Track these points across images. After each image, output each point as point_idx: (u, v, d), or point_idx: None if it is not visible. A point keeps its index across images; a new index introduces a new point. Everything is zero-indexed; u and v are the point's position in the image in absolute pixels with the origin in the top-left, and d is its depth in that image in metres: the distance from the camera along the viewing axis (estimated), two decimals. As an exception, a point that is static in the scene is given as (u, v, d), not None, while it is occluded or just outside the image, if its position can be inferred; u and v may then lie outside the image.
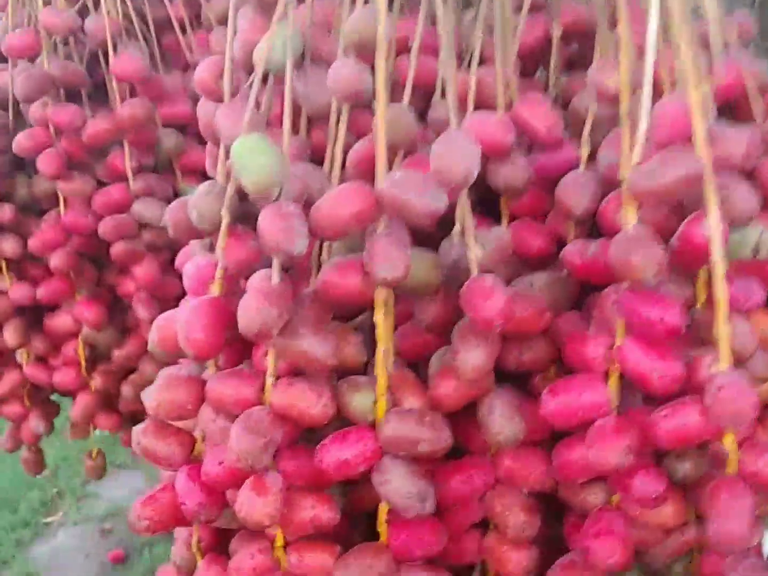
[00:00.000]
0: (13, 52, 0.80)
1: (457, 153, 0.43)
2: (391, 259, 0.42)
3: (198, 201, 0.48)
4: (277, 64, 0.50)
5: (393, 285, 0.43)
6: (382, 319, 0.45)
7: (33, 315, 0.87)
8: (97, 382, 0.86)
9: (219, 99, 0.49)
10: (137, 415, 0.89)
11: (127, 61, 0.79)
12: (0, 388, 0.87)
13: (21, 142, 0.80)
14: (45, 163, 0.79)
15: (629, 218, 0.45)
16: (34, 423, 0.88)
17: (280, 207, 0.43)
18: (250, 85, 0.51)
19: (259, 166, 0.42)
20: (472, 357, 0.45)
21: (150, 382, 0.85)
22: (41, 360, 0.88)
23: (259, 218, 0.43)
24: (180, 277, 0.88)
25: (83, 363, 0.85)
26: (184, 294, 0.86)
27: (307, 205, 0.46)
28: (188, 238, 0.52)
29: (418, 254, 0.46)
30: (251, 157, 0.43)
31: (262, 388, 0.45)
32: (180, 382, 0.48)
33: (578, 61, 0.60)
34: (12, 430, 0.90)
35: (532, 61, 0.58)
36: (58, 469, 2.29)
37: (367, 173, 0.51)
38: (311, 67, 0.52)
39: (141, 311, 0.83)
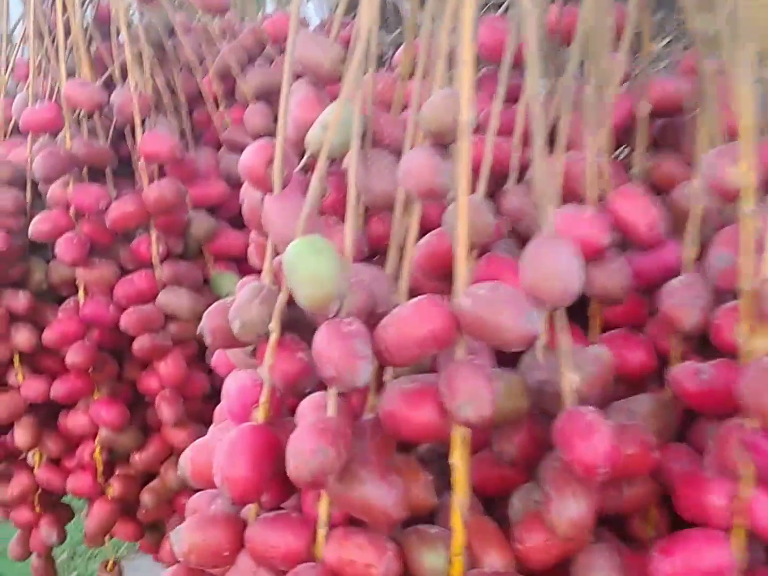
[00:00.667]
0: (33, 127, 0.74)
1: (554, 266, 0.35)
2: (476, 394, 0.34)
3: (241, 308, 0.40)
4: (336, 147, 0.44)
5: (477, 426, 0.35)
6: (460, 463, 0.37)
7: (47, 411, 0.79)
8: (114, 489, 0.78)
9: (268, 188, 0.42)
10: (158, 524, 0.81)
11: (156, 139, 0.73)
12: (9, 492, 0.79)
13: (38, 226, 0.74)
14: (64, 249, 0.72)
15: (759, 343, 0.37)
16: (45, 532, 0.79)
17: (340, 326, 0.35)
18: (303, 171, 0.44)
19: (317, 276, 0.35)
20: (569, 509, 0.36)
21: (172, 490, 0.78)
22: (54, 462, 0.80)
23: (316, 338, 0.36)
24: (209, 371, 0.81)
25: (100, 468, 0.77)
26: (212, 392, 0.79)
27: (371, 317, 0.38)
28: (228, 347, 0.45)
29: (501, 377, 0.39)
30: (308, 264, 0.35)
31: (314, 539, 0.37)
32: (216, 524, 0.40)
33: (664, 141, 0.53)
34: (21, 537, 0.82)
35: (614, 142, 0.51)
36: (75, 553, 2.20)
37: (435, 274, 0.44)
38: (372, 152, 0.45)
39: (165, 411, 0.75)
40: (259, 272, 0.46)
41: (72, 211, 0.74)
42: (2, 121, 0.83)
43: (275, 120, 0.82)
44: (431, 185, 0.37)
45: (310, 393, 0.41)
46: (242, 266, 0.81)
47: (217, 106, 0.84)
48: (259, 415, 0.39)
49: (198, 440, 0.41)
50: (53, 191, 0.75)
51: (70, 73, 0.81)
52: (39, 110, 0.74)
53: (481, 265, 0.43)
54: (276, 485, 0.39)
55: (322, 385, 0.40)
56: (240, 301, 0.41)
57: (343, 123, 0.43)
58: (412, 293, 0.43)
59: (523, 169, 0.51)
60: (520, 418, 0.40)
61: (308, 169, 0.45)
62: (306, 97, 0.47)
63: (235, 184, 0.81)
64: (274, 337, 0.39)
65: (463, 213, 0.37)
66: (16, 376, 0.77)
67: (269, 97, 0.82)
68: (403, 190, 0.41)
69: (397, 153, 0.46)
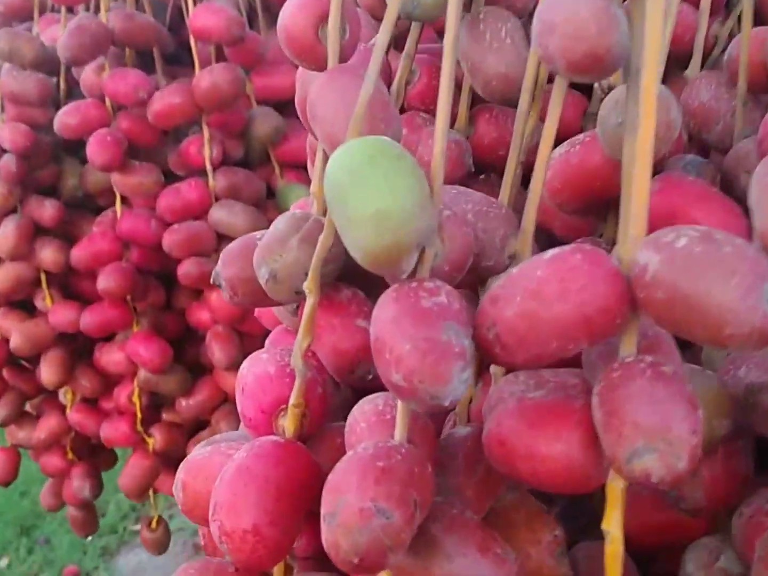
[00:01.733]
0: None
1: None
2: (666, 433, 0.19)
3: (272, 250, 0.26)
4: (426, 7, 0.28)
5: (662, 487, 0.19)
6: (616, 531, 0.21)
7: (81, 343, 0.66)
8: (156, 440, 0.65)
9: (320, 62, 0.27)
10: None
11: (210, 13, 0.57)
12: (36, 434, 0.67)
13: (64, 118, 0.60)
14: (96, 148, 0.58)
15: None
16: (77, 484, 0.67)
17: (418, 296, 0.20)
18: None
19: (382, 210, 0.20)
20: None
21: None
22: (90, 402, 0.67)
23: (377, 314, 0.21)
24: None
25: (139, 415, 0.64)
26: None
27: (472, 278, 0.23)
28: (255, 305, 0.30)
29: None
30: (366, 188, 0.20)
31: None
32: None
33: None
34: (53, 486, 0.70)
35: None
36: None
37: (581, 205, 0.28)
38: (486, 10, 0.29)
39: (216, 351, 0.61)
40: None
41: (108, 102, 0.60)
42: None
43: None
44: (597, 48, 0.20)
45: (372, 382, 0.26)
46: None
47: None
48: (288, 424, 0.24)
49: (196, 453, 0.26)
50: (85, 77, 0.61)
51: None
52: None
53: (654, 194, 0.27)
54: (310, 527, 0.25)
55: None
56: (270, 238, 0.26)
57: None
58: (544, 238, 0.28)
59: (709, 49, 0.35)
60: (714, 447, 0.25)
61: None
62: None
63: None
64: (312, 301, 0.24)
65: (650, 100, 0.20)
66: (44, 300, 0.65)
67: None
68: (539, 60, 0.25)
69: (522, 12, 0.30)
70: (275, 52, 0.64)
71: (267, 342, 0.33)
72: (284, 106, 0.64)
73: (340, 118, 0.24)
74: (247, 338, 0.63)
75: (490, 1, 0.30)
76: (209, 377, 0.64)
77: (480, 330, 0.20)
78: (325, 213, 0.28)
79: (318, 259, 0.23)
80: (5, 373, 0.67)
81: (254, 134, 0.62)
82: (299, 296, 0.26)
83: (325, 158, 0.27)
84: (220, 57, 0.61)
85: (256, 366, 0.26)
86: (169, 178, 0.62)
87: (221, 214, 0.59)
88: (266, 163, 0.64)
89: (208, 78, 0.57)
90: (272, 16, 0.70)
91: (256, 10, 0.68)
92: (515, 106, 0.28)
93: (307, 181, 0.65)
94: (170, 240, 0.59)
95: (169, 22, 0.66)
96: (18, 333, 0.63)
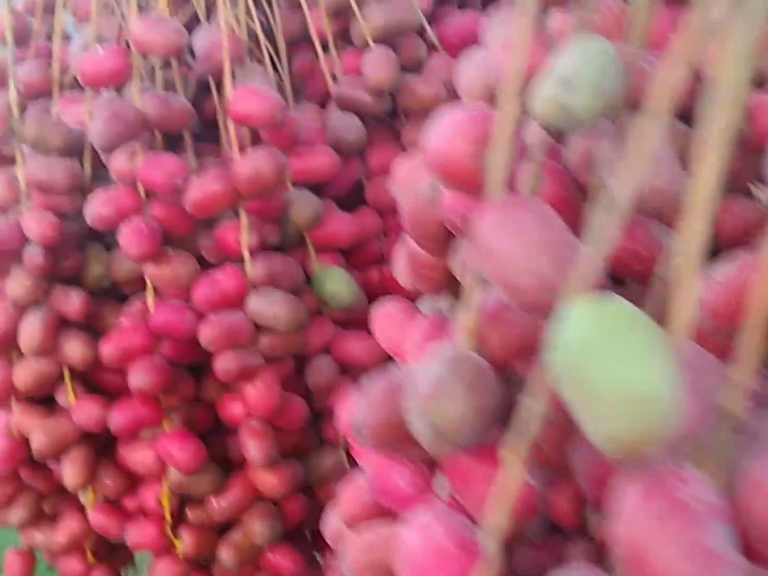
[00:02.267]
0: (93, 78, 0.56)
1: None
2: None
3: (434, 399, 0.23)
4: (579, 123, 0.26)
5: None
6: None
7: (103, 439, 0.63)
8: (185, 542, 0.61)
9: (479, 190, 0.24)
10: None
11: (252, 96, 0.55)
12: (56, 538, 0.63)
13: (98, 209, 0.56)
14: (131, 240, 0.55)
15: None
16: (99, 588, 0.63)
17: (673, 489, 0.17)
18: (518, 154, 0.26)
19: (641, 395, 0.17)
20: None
21: (258, 546, 0.61)
22: (112, 502, 0.63)
23: (625, 517, 0.18)
24: (308, 394, 0.64)
25: (168, 518, 0.60)
26: (312, 419, 0.61)
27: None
28: (402, 455, 0.28)
29: None
30: (619, 368, 0.17)
31: None
32: None
33: None
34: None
35: None
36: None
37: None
38: (640, 120, 0.27)
39: (252, 448, 0.58)
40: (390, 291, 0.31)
41: (141, 189, 0.57)
42: (58, 72, 0.66)
43: (405, 68, 0.63)
44: None
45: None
46: (351, 259, 0.64)
47: (324, 51, 0.66)
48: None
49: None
50: (117, 163, 0.58)
51: (142, 9, 0.64)
52: (100, 57, 0.56)
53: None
54: None
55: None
56: (427, 385, 0.24)
57: (596, 73, 0.26)
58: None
59: None
60: None
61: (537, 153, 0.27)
62: (517, 31, 0.29)
63: (346, 152, 0.63)
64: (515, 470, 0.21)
65: None
66: (67, 396, 0.61)
67: (395, 39, 0.63)
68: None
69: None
70: (308, 131, 0.62)
71: (401, 538, 0.26)
72: (318, 187, 0.62)
73: (522, 265, 0.22)
74: (281, 433, 0.60)
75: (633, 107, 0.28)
76: (242, 475, 0.60)
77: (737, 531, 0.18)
78: (478, 351, 0.26)
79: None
80: (22, 472, 0.63)
81: (292, 219, 0.59)
82: (464, 448, 0.24)
83: (474, 288, 0.25)
84: (254, 138, 0.59)
85: (421, 534, 0.23)
86: (201, 266, 0.59)
87: (260, 304, 0.56)
88: (299, 246, 0.62)
89: (250, 164, 0.55)
90: (296, 90, 0.68)
91: (283, 87, 0.66)
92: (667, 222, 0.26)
93: (340, 262, 0.62)
94: (208, 334, 0.56)
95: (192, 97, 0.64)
96: (40, 432, 0.60)
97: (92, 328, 0.61)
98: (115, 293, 0.63)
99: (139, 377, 0.56)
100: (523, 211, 0.23)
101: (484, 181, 0.24)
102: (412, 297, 0.66)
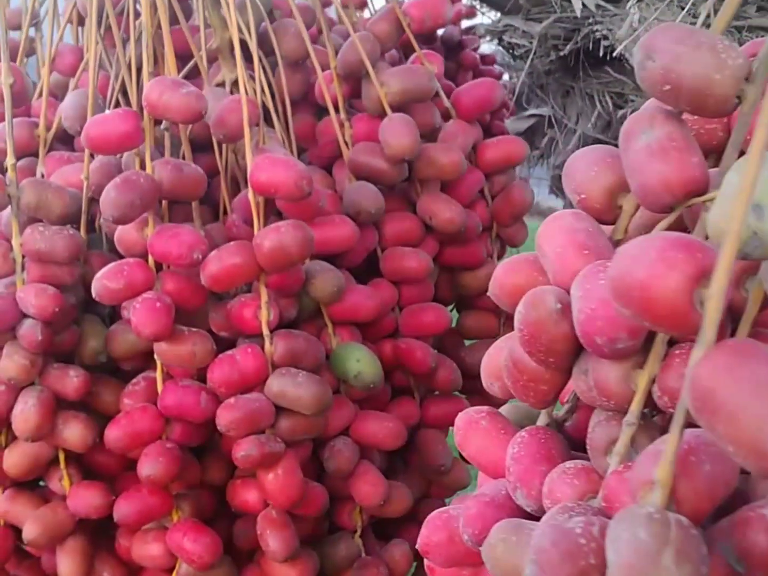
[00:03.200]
0: (104, 144, 0.52)
1: None
2: None
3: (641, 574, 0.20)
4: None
5: None
6: None
7: (100, 525, 0.58)
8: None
9: (691, 331, 0.22)
10: None
11: (276, 166, 0.52)
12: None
13: (106, 283, 0.52)
14: (144, 318, 0.51)
15: None
16: None
17: None
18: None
19: None
20: None
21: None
22: (108, 596, 0.59)
23: None
24: (323, 477, 0.60)
25: (177, 617, 0.56)
26: (331, 507, 0.58)
27: None
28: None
29: None
30: None
31: None
32: None
33: None
34: None
35: None
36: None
37: None
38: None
39: (272, 542, 0.54)
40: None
41: (151, 261, 0.53)
42: (43, 129, 0.62)
43: (424, 136, 0.61)
44: None
45: None
46: (365, 331, 0.61)
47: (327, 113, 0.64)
48: None
49: None
50: (125, 233, 0.54)
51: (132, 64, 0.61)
52: (109, 120, 0.52)
53: None
54: None
55: None
56: (633, 553, 0.21)
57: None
58: None
59: None
60: None
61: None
62: (671, 137, 0.27)
63: (364, 222, 0.60)
64: None
65: None
66: (61, 481, 0.56)
67: (411, 106, 0.61)
68: None
69: None
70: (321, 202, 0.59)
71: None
72: (335, 258, 0.59)
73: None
74: (298, 522, 0.56)
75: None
76: (256, 568, 0.56)
77: None
78: (673, 509, 0.23)
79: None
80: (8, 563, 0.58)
81: (312, 293, 0.56)
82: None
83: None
84: (267, 206, 0.55)
85: None
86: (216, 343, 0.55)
87: (283, 386, 0.53)
88: (314, 318, 0.59)
89: (274, 237, 0.51)
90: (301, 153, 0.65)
91: (290, 150, 0.63)
92: None
93: (356, 337, 0.59)
94: (228, 419, 0.52)
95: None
96: (34, 522, 0.55)
97: (88, 406, 0.57)
98: (110, 367, 0.59)
99: (150, 466, 0.52)
100: (757, 360, 0.20)
101: (695, 320, 0.22)
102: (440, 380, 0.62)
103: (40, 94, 0.64)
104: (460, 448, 0.35)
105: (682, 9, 0.67)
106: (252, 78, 0.60)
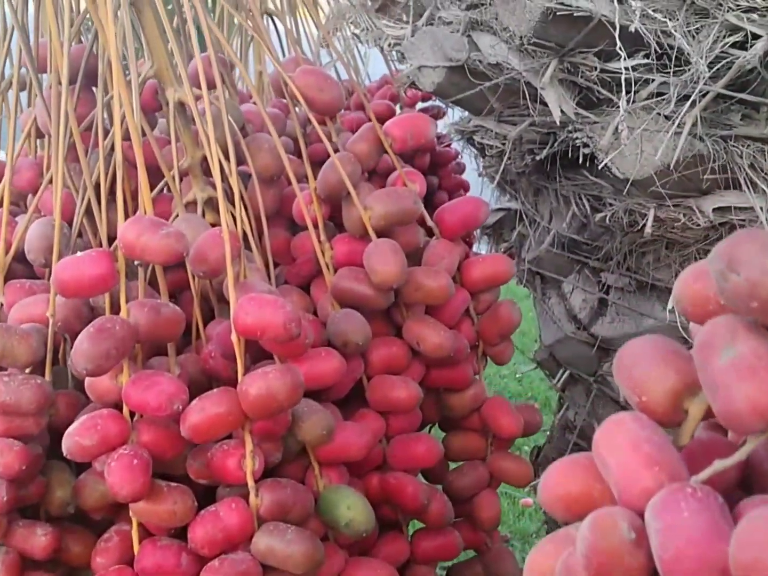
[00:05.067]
0: (75, 288, 0.49)
1: None
2: None
3: None
4: None
5: None
6: None
7: None
8: None
9: None
10: None
11: (263, 308, 0.48)
12: None
13: (77, 439, 0.48)
14: (120, 477, 0.47)
15: None
16: None
17: None
18: None
19: None
20: None
21: None
22: None
23: None
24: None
25: None
26: None
27: None
28: None
29: None
30: None
31: None
32: None
33: None
34: None
35: None
36: None
37: None
38: None
39: None
40: None
41: (126, 413, 0.49)
42: (1, 254, 0.58)
43: (408, 257, 0.58)
44: None
45: None
46: (351, 466, 0.57)
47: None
48: None
49: None
50: (97, 382, 0.50)
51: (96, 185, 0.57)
52: (83, 264, 0.48)
53: None
54: None
55: None
56: None
57: None
58: None
59: None
60: None
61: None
62: (757, 354, 0.24)
63: (351, 353, 0.57)
64: None
65: None
66: (27, 649, 0.51)
67: (396, 229, 0.58)
68: None
69: None
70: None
71: None
72: (319, 393, 0.56)
73: None
74: None
75: None
76: None
77: None
78: None
79: None
80: None
81: (299, 436, 0.52)
82: None
83: None
84: (248, 344, 0.52)
85: None
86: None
87: (272, 543, 0.49)
88: (299, 459, 0.55)
89: (263, 384, 0.48)
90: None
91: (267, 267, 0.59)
92: None
93: (344, 479, 0.56)
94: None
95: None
96: None
97: (56, 560, 0.52)
98: (79, 515, 0.54)
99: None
100: None
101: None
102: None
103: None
104: None
105: (667, 119, 0.66)
106: (226, 195, 0.57)
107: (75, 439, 0.48)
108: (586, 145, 0.71)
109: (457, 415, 0.65)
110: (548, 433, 1.11)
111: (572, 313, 0.92)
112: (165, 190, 0.66)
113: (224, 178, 0.57)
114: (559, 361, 0.98)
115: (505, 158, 0.79)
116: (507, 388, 2.72)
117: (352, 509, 0.53)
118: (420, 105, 0.94)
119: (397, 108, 0.85)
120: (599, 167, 0.70)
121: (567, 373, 0.98)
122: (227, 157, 0.56)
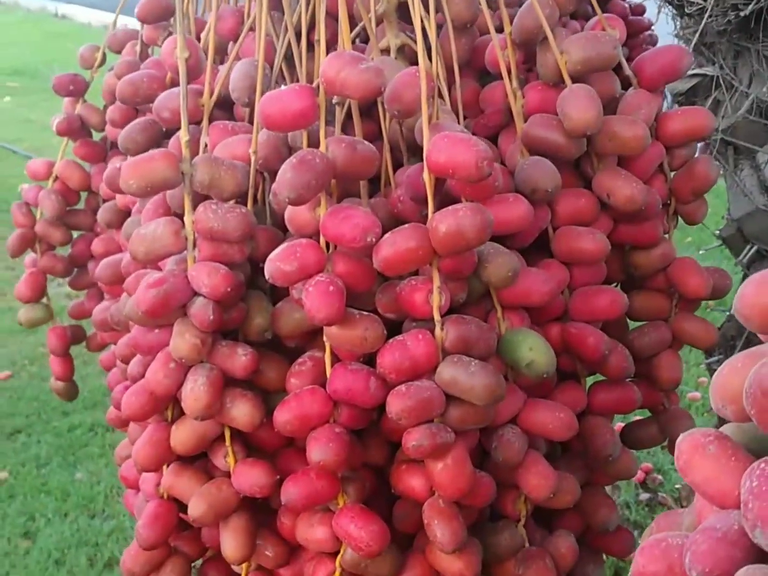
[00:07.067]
0: (276, 120, 0.51)
1: None
2: None
3: None
4: None
5: None
6: None
7: (264, 501, 0.58)
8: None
9: None
10: None
11: (456, 146, 0.49)
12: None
13: (279, 264, 0.50)
14: (318, 301, 0.49)
15: None
16: None
17: None
18: None
19: None
20: None
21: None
22: (267, 573, 0.59)
23: None
24: (488, 465, 0.57)
25: (339, 605, 0.55)
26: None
27: None
28: None
29: None
30: None
31: None
32: None
33: None
34: None
35: None
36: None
37: None
38: None
39: (440, 532, 0.52)
40: None
41: (323, 242, 0.52)
42: (207, 97, 0.61)
43: (608, 107, 0.57)
44: None
45: None
46: (532, 314, 0.58)
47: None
48: None
49: None
50: (297, 214, 0.52)
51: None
52: (287, 98, 0.50)
53: None
54: None
55: None
56: None
57: None
58: None
59: None
60: None
61: None
62: None
63: (539, 201, 0.57)
64: None
65: None
66: (225, 458, 0.56)
67: (591, 74, 0.57)
68: None
69: None
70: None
71: None
72: (506, 239, 0.56)
73: None
74: (464, 511, 0.54)
75: None
76: (422, 557, 0.55)
77: None
78: None
79: None
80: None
81: (484, 277, 0.54)
82: None
83: None
84: (437, 182, 0.53)
85: None
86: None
87: (455, 374, 0.51)
88: (482, 302, 0.56)
89: (452, 221, 0.49)
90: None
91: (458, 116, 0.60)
92: None
93: (526, 322, 0.57)
94: (400, 406, 0.50)
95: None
96: (200, 499, 0.55)
97: (252, 383, 0.56)
98: (274, 343, 0.58)
99: (321, 451, 0.51)
100: None
101: None
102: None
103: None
104: (682, 473, 0.32)
105: None
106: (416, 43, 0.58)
107: (276, 264, 0.51)
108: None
109: (643, 273, 0.64)
110: (727, 313, 1.08)
111: (765, 185, 0.88)
112: (358, 41, 0.68)
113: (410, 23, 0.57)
114: (747, 236, 0.95)
115: (706, 16, 0.75)
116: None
117: (534, 350, 0.54)
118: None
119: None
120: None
121: (754, 249, 0.95)
122: (425, 3, 0.56)
